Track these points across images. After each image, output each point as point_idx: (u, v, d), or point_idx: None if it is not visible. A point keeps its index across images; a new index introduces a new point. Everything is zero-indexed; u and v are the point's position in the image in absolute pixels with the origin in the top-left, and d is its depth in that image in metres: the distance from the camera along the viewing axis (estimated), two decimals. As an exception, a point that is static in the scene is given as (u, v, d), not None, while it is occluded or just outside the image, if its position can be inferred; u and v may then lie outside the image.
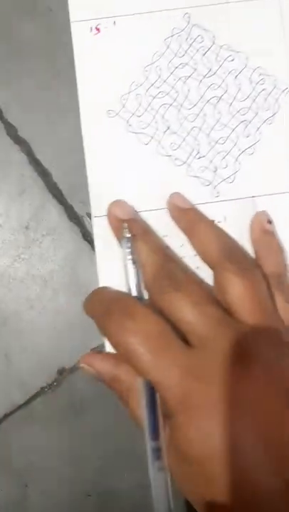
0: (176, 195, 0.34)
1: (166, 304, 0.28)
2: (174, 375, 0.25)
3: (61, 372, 0.36)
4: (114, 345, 0.27)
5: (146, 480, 0.36)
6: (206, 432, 0.24)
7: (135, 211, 0.35)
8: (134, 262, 0.30)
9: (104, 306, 0.29)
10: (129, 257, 0.30)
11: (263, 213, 0.34)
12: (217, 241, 0.31)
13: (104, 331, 0.28)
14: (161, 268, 0.29)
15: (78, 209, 0.37)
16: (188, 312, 0.27)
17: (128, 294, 0.30)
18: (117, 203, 0.34)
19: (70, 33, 0.38)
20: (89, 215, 0.37)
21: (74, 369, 0.36)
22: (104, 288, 0.33)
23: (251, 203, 0.36)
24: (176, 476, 0.27)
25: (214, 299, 0.29)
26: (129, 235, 0.31)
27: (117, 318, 0.27)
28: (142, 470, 0.36)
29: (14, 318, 0.37)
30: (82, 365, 0.31)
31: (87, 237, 0.37)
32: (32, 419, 0.36)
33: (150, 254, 0.30)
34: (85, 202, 0.37)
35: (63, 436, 0.36)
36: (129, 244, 0.30)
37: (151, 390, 0.26)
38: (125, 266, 0.31)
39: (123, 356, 0.27)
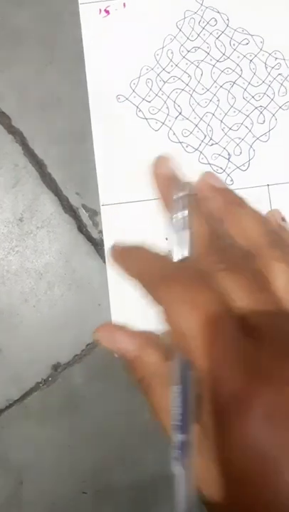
0: (210, 173, 0.31)
1: (216, 283, 0.25)
2: (234, 367, 0.22)
3: (56, 367, 0.35)
4: (166, 315, 0.24)
5: (142, 478, 0.34)
6: (267, 442, 0.21)
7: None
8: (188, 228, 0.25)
9: (159, 270, 0.25)
10: (182, 217, 0.25)
11: (277, 211, 0.32)
12: (260, 226, 0.27)
13: (158, 299, 0.25)
14: (217, 241, 0.26)
15: (73, 201, 0.36)
16: (243, 298, 0.24)
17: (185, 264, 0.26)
18: (164, 161, 0.29)
19: (65, 21, 0.37)
20: (84, 207, 0.35)
21: (69, 364, 0.35)
22: (147, 249, 0.28)
23: (266, 192, 0.35)
24: (201, 476, 0.24)
25: (269, 287, 0.26)
26: (184, 194, 0.27)
27: (179, 291, 0.23)
28: (138, 467, 0.34)
29: (8, 312, 0.35)
30: (98, 337, 0.28)
31: (83, 229, 0.36)
32: (27, 415, 0.35)
33: (206, 222, 0.26)
34: (81, 193, 0.36)
35: (59, 433, 0.35)
36: (183, 205, 0.26)
37: (187, 377, 0.24)
38: (174, 231, 0.26)
39: (173, 332, 0.24)
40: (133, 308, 0.35)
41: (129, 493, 0.34)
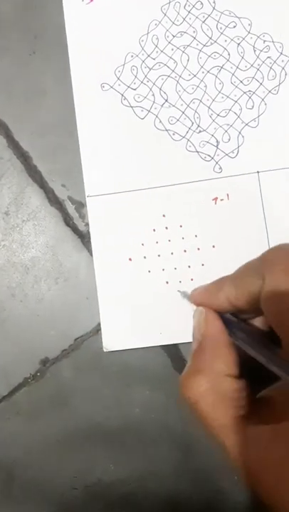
0: None
1: None
2: None
3: (44, 362, 0.34)
4: None
5: (132, 473, 0.34)
6: None
7: None
8: None
9: None
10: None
11: None
12: None
13: None
14: None
15: (59, 193, 0.35)
16: None
17: None
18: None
19: (48, 9, 0.36)
20: (70, 199, 0.35)
21: (58, 359, 0.34)
22: None
23: (256, 179, 0.34)
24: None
25: None
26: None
27: None
28: (127, 462, 0.34)
29: (-6, 308, 0.35)
30: None
31: (69, 222, 0.35)
32: (16, 411, 0.34)
33: None
34: (67, 185, 0.35)
35: (48, 428, 0.34)
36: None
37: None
38: None
39: None
40: (121, 301, 0.34)
41: (119, 488, 0.34)
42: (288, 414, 0.20)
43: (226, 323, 0.24)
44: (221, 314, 0.24)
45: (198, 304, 0.25)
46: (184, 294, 0.28)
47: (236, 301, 0.23)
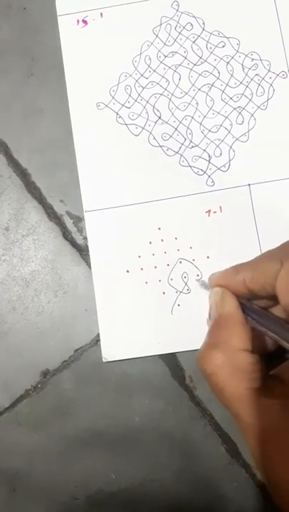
0: None
1: None
2: None
3: (45, 374, 0.35)
4: None
5: (132, 481, 0.34)
6: None
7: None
8: None
9: None
10: None
11: None
12: None
13: None
14: None
15: (58, 208, 0.36)
16: None
17: None
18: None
19: (45, 33, 0.37)
20: (69, 214, 0.36)
21: (58, 370, 0.35)
22: None
23: (247, 191, 0.35)
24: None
25: None
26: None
27: None
28: (128, 472, 0.34)
29: (-4, 322, 0.36)
30: None
31: (68, 236, 0.36)
32: (18, 422, 0.35)
33: None
34: (65, 201, 0.36)
35: (49, 439, 0.35)
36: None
37: None
38: None
39: None
40: (119, 312, 0.35)
41: (121, 497, 0.34)
42: None
43: (242, 305, 0.26)
44: (237, 297, 0.26)
45: (215, 286, 0.27)
46: (202, 283, 0.31)
47: (252, 284, 0.25)
